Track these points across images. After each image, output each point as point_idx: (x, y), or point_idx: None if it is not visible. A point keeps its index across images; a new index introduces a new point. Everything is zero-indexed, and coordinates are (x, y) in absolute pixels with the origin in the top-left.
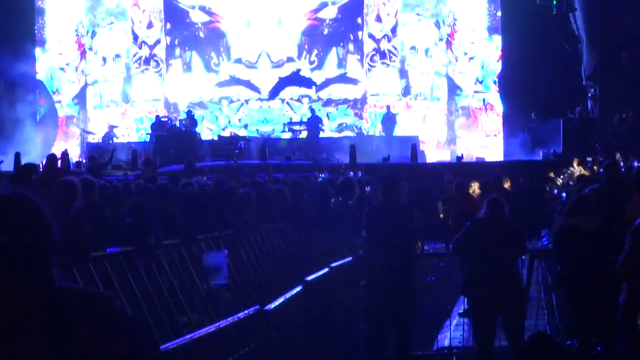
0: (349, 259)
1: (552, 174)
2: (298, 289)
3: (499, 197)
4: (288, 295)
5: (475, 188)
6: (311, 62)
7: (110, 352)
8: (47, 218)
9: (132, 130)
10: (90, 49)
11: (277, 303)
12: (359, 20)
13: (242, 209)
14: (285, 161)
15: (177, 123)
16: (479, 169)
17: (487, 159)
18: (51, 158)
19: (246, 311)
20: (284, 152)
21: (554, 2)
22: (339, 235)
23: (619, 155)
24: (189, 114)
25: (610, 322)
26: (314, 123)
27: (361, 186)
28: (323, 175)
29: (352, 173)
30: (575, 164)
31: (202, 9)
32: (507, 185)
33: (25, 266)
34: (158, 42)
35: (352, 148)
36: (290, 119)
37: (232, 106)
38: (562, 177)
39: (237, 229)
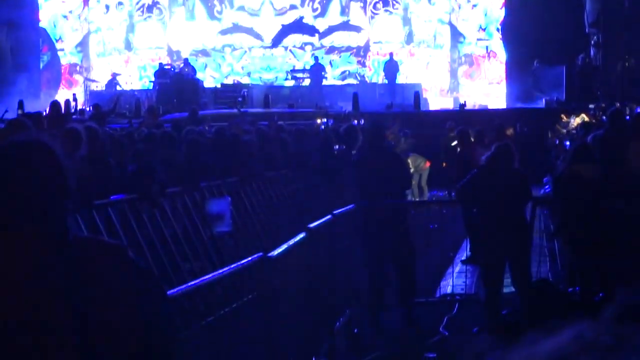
0: (351, 206)
1: (563, 117)
2: (301, 236)
3: (508, 143)
4: (291, 242)
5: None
6: (314, 10)
7: (121, 301)
8: (63, 164)
9: (135, 78)
10: None
11: (280, 250)
12: None
13: (245, 157)
14: (288, 109)
15: (179, 71)
16: (482, 116)
17: (490, 107)
18: (54, 105)
19: (249, 258)
20: (287, 99)
21: None
22: (342, 182)
23: (618, 104)
24: (186, 61)
25: (610, 270)
26: (317, 71)
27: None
28: (326, 121)
29: (355, 121)
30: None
31: None
32: (509, 132)
33: (42, 214)
34: None
35: (355, 96)
36: (293, 66)
37: (235, 54)
38: (563, 125)
39: (241, 177)
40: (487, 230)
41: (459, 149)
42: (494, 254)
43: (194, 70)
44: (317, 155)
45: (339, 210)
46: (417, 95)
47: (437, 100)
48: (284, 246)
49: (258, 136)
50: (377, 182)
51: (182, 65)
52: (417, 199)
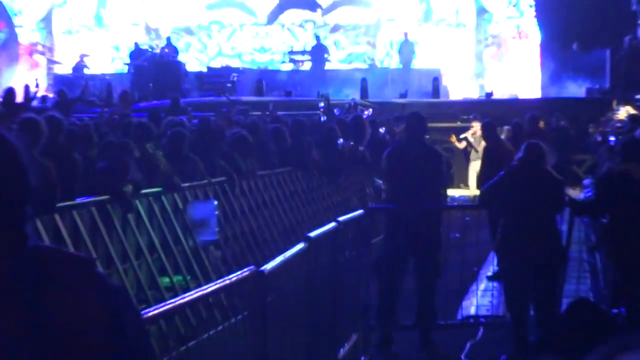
0: (360, 212)
1: (614, 105)
2: (300, 246)
3: (539, 142)
4: (288, 254)
5: (475, 130)
6: None
7: (88, 324)
8: (24, 162)
9: (107, 60)
10: None
11: (275, 263)
12: None
13: (234, 153)
14: (285, 97)
15: (159, 51)
16: (512, 107)
17: (521, 96)
18: (9, 92)
19: (239, 273)
20: (283, 86)
21: None
22: (348, 183)
23: None
24: (168, 40)
25: None
26: (318, 53)
27: (374, 127)
28: (329, 111)
29: (363, 111)
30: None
31: None
32: (541, 125)
33: None
34: None
35: (363, 82)
36: (292, 47)
37: (224, 32)
38: (609, 117)
39: (229, 176)
40: (511, 242)
41: (471, 147)
42: (519, 269)
43: (175, 51)
44: (318, 152)
45: (345, 217)
46: (436, 82)
47: (459, 88)
48: (280, 258)
49: (250, 129)
50: (416, 181)
51: (161, 45)
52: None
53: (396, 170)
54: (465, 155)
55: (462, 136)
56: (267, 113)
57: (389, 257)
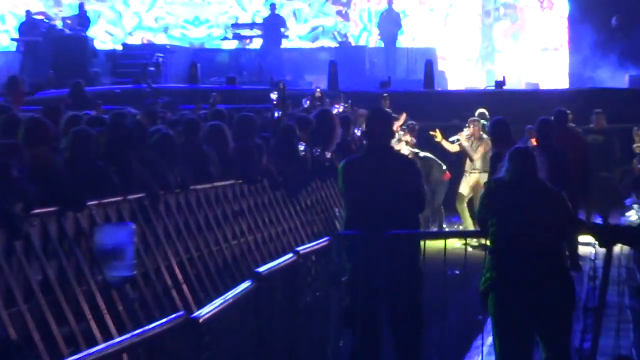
0: (325, 239)
1: None
2: (245, 285)
3: (527, 148)
4: (230, 295)
5: (472, 131)
6: None
7: None
8: None
9: None
10: None
11: (213, 307)
12: None
13: (158, 160)
14: (227, 85)
15: (60, 23)
16: (531, 101)
17: (543, 86)
18: None
19: (164, 320)
20: (225, 70)
21: None
22: (311, 201)
23: None
24: (81, 8)
25: None
26: (272, 26)
27: (346, 126)
28: (284, 106)
29: (333, 106)
30: None
31: None
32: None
33: None
34: None
35: (332, 66)
36: (236, 19)
37: None
38: None
39: (151, 191)
40: (504, 284)
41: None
42: (513, 320)
43: (84, 22)
44: (271, 159)
45: (306, 246)
46: (430, 67)
47: (461, 75)
48: (219, 301)
49: (180, 128)
50: (381, 200)
51: (62, 14)
52: (431, 228)
53: (355, 185)
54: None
55: (453, 138)
56: (204, 107)
57: (360, 305)
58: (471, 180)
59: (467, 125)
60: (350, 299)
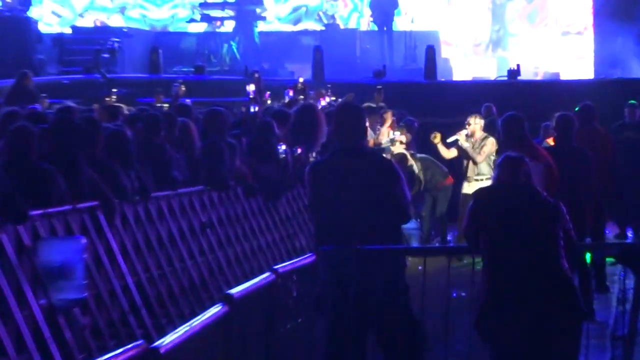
0: (309, 256)
1: None
2: (215, 309)
3: (518, 155)
4: (197, 322)
5: (473, 129)
6: None
7: None
8: None
9: None
10: None
11: (177, 335)
12: None
13: (112, 162)
14: (193, 75)
15: None
16: (549, 93)
17: (565, 76)
18: None
19: (121, 350)
20: (191, 57)
21: None
22: (292, 211)
23: None
24: None
25: None
26: (246, 7)
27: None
28: (261, 99)
29: (319, 100)
30: None
31: None
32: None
33: None
34: None
35: (317, 52)
36: None
37: None
38: None
39: (104, 199)
40: (500, 305)
41: (467, 158)
42: (510, 344)
43: (25, 1)
44: (247, 161)
45: (285, 264)
46: (432, 54)
47: (467, 63)
48: (184, 329)
49: (140, 125)
50: (351, 209)
51: None
52: (433, 242)
53: (321, 192)
54: (453, 171)
55: (451, 139)
56: (166, 100)
57: (339, 335)
58: (473, 188)
59: (466, 122)
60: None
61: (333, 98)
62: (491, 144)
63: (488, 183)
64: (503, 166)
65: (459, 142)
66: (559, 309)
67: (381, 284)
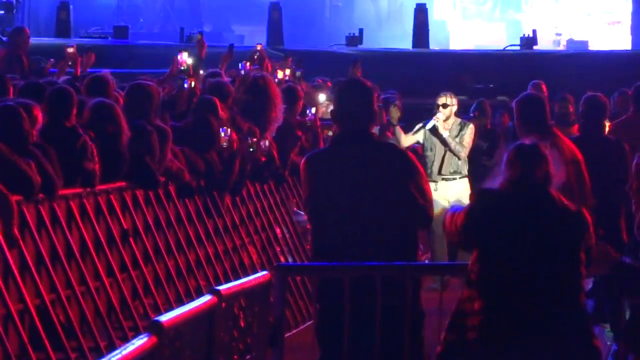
0: (262, 274)
1: None
2: (140, 341)
3: (534, 145)
4: (114, 356)
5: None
6: None
7: None
8: None
9: None
10: None
11: None
12: None
13: (5, 150)
14: (114, 39)
15: None
16: (574, 67)
17: (594, 46)
18: None
19: None
20: (111, 18)
21: None
22: (242, 216)
23: None
24: None
25: None
26: None
27: (292, 101)
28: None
29: (275, 71)
30: None
31: None
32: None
33: None
34: None
35: (273, 12)
36: None
37: None
38: None
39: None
40: (499, 334)
41: (446, 147)
42: None
43: None
44: (186, 149)
45: (231, 284)
46: (423, 15)
47: (468, 28)
48: None
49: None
50: (359, 210)
51: None
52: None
53: (322, 189)
54: None
55: (430, 125)
56: (77, 72)
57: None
58: (451, 192)
59: (440, 103)
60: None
61: (296, 72)
62: (471, 132)
63: (463, 183)
64: (515, 159)
65: (439, 130)
66: (570, 354)
67: (392, 309)
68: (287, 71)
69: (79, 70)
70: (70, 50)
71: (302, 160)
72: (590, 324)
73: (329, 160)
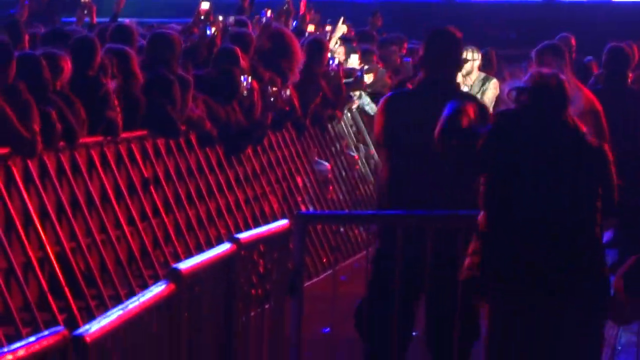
0: (282, 222)
1: None
2: (159, 288)
3: (552, 72)
4: (133, 302)
5: None
6: None
7: None
8: None
9: None
10: None
11: (105, 321)
12: None
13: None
14: None
15: None
16: (599, 18)
17: None
18: None
19: (33, 339)
20: None
21: None
22: (262, 165)
23: None
24: None
25: None
26: None
27: (318, 52)
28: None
29: (312, 26)
30: None
31: None
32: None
33: None
34: None
35: None
36: None
37: None
38: None
39: (16, 144)
40: (501, 276)
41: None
42: (524, 318)
43: None
44: (204, 100)
45: (250, 233)
46: None
47: None
48: (115, 312)
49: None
50: (437, 159)
51: None
52: None
53: (401, 132)
54: None
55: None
56: (93, 21)
57: (379, 312)
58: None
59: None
60: (368, 291)
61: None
62: (494, 87)
63: None
64: (531, 85)
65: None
66: (579, 294)
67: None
68: (313, 26)
69: (95, 19)
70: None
71: (383, 97)
72: (603, 257)
73: (410, 104)
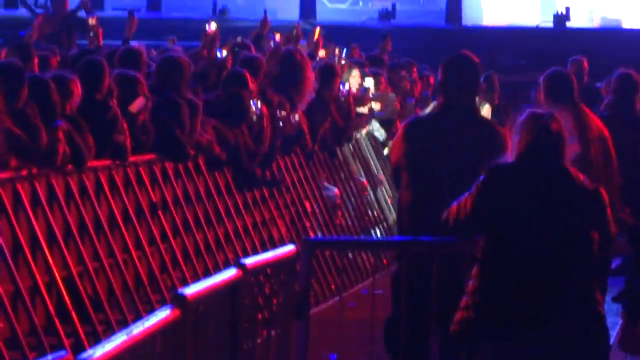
0: (288, 248)
1: None
2: (164, 312)
3: (547, 114)
4: (138, 327)
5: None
6: None
7: None
8: None
9: None
10: None
11: (111, 345)
12: None
13: (36, 121)
14: (147, 11)
15: None
16: (607, 44)
17: (628, 24)
18: None
19: (46, 359)
20: None
21: None
22: (270, 190)
23: None
24: None
25: None
26: None
27: (329, 78)
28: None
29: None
30: None
31: None
32: None
33: None
34: None
35: None
36: None
37: None
38: None
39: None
40: (495, 317)
41: None
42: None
43: None
44: (213, 125)
45: (257, 258)
46: None
47: (502, 4)
48: (120, 337)
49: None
50: (453, 180)
51: None
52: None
53: (422, 157)
54: None
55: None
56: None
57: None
58: None
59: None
60: (393, 306)
61: (333, 48)
62: (487, 112)
63: None
64: (529, 130)
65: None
66: (579, 334)
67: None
68: (324, 52)
69: (101, 41)
70: (92, 22)
71: (403, 123)
72: (599, 307)
73: (430, 129)
